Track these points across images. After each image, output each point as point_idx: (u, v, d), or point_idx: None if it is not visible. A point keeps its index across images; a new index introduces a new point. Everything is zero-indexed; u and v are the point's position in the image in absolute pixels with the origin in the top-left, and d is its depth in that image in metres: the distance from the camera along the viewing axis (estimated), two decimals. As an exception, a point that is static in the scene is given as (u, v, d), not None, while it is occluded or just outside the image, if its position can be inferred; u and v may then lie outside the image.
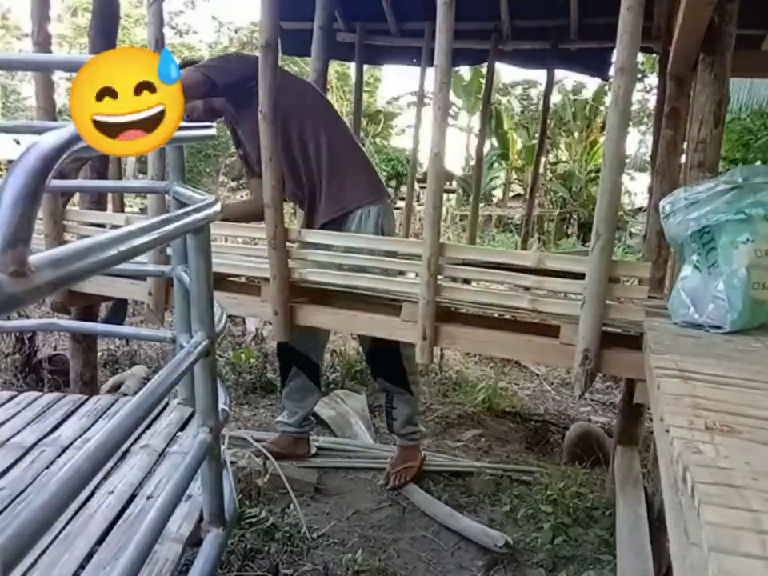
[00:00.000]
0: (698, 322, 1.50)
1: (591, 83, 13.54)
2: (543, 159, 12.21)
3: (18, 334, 3.46)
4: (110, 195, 2.77)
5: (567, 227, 13.33)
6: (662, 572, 1.73)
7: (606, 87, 10.64)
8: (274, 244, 2.02)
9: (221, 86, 2.18)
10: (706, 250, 1.51)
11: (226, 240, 2.70)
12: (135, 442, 1.46)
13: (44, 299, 2.61)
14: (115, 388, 3.40)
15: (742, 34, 1.98)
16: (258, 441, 2.58)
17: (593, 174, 12.89)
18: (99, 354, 3.33)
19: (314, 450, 2.72)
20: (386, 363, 2.48)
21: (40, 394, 1.76)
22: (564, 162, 14.48)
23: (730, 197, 1.48)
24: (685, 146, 2.13)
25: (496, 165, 14.11)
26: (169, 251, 1.85)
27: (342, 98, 12.80)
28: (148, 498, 1.22)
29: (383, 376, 2.53)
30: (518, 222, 12.24)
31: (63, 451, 1.40)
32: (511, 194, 15.91)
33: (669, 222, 1.60)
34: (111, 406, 1.67)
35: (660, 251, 2.29)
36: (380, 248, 2.09)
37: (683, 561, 0.62)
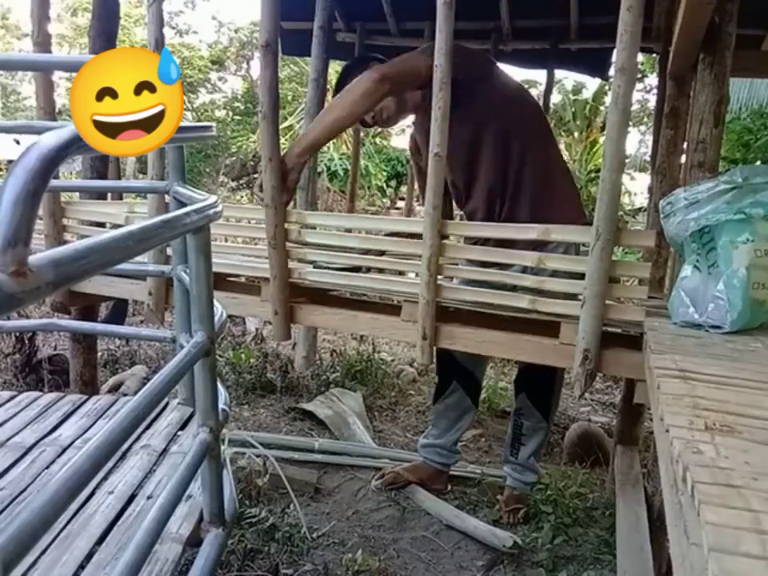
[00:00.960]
0: (697, 322, 1.49)
1: (591, 83, 13.54)
2: (543, 159, 12.20)
3: (17, 334, 3.46)
4: (109, 195, 2.77)
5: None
6: (661, 572, 1.74)
7: (606, 87, 10.65)
8: (274, 244, 2.02)
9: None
10: (705, 250, 1.51)
11: (226, 240, 2.70)
12: (135, 441, 1.46)
13: (44, 299, 2.61)
14: (115, 388, 3.40)
15: (742, 34, 1.98)
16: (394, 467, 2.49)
17: (593, 174, 12.89)
18: (99, 354, 3.33)
19: (448, 488, 2.52)
20: (535, 381, 2.31)
21: (40, 394, 1.77)
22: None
23: (729, 197, 1.48)
24: (685, 146, 2.13)
25: (496, 165, 14.08)
26: (169, 251, 1.85)
27: (342, 98, 12.77)
28: (148, 498, 1.22)
29: (528, 394, 2.30)
30: (518, 222, 12.21)
31: (63, 451, 1.40)
32: (511, 194, 15.87)
33: (669, 221, 1.60)
34: (111, 406, 1.67)
35: (660, 251, 2.30)
36: (380, 248, 2.09)
37: (683, 561, 0.62)
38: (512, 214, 2.01)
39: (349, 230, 2.20)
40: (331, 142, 12.10)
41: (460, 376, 2.41)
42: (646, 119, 12.75)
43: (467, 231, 2.00)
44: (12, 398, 1.70)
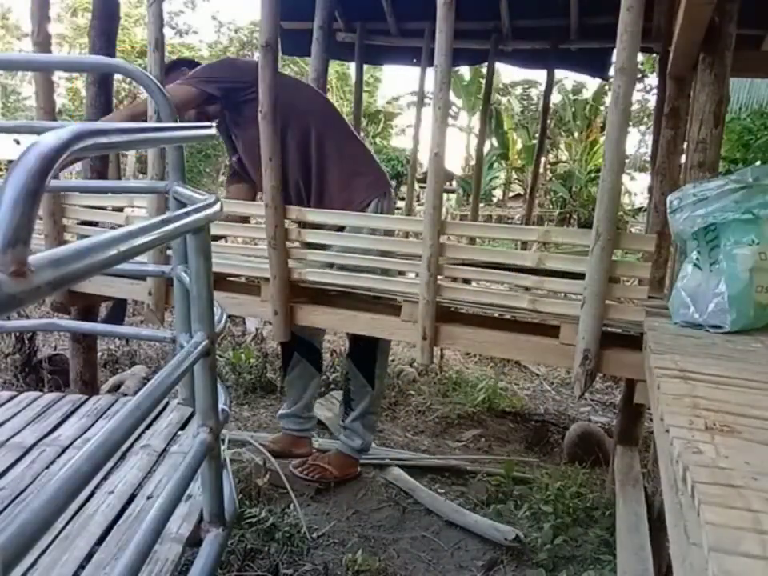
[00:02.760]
0: (697, 322, 1.49)
1: (591, 83, 13.56)
2: (543, 159, 12.22)
3: (18, 334, 3.46)
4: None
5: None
6: (662, 572, 1.73)
7: (606, 87, 10.65)
8: (274, 244, 2.02)
9: (216, 96, 2.21)
10: (708, 248, 1.50)
11: (226, 240, 2.70)
12: (135, 442, 1.46)
13: (44, 299, 2.61)
14: (115, 388, 3.40)
15: (742, 34, 1.98)
16: (258, 442, 2.58)
17: (593, 174, 12.90)
18: (99, 354, 3.33)
19: (314, 450, 2.69)
20: (358, 349, 2.52)
21: (40, 394, 1.76)
22: (564, 162, 14.50)
23: (738, 196, 1.46)
24: (685, 146, 2.13)
25: (496, 165, 14.13)
26: (169, 251, 1.85)
27: (342, 98, 12.80)
28: (148, 498, 1.22)
29: (353, 359, 2.52)
30: (518, 222, 12.24)
31: (63, 451, 1.40)
32: (511, 194, 15.93)
33: (675, 217, 1.58)
34: (111, 406, 1.67)
35: (660, 251, 2.29)
36: (380, 248, 2.09)
37: (683, 561, 0.62)
38: (320, 202, 2.27)
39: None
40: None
41: (299, 347, 2.55)
42: (645, 119, 12.76)
43: (467, 231, 2.00)
44: (12, 398, 1.70)
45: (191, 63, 2.58)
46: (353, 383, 2.53)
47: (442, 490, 2.56)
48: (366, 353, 2.49)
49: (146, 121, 2.03)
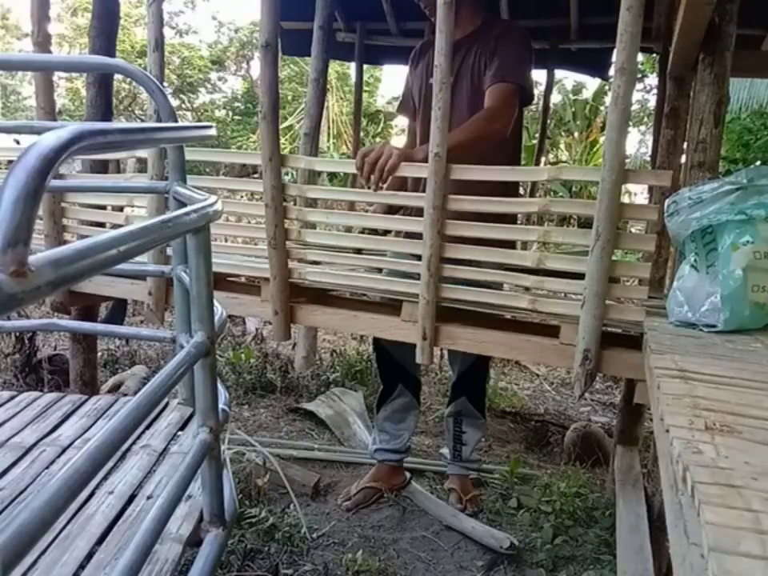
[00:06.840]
0: (691, 321, 1.49)
1: (591, 83, 13.56)
2: (543, 159, 12.21)
3: (18, 334, 3.46)
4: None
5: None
6: (662, 572, 1.74)
7: (606, 87, 10.65)
8: (274, 244, 2.02)
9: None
10: (706, 250, 1.50)
11: (226, 240, 2.70)
12: (135, 442, 1.46)
13: (44, 299, 2.61)
14: (115, 388, 3.41)
15: (742, 34, 1.98)
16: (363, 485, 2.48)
17: (593, 174, 12.88)
18: (99, 354, 3.34)
19: (408, 476, 2.57)
20: (474, 385, 2.43)
21: (40, 394, 1.76)
22: (564, 162, 14.48)
23: (734, 197, 1.47)
24: (685, 146, 2.13)
25: (496, 165, 14.08)
26: (169, 251, 1.85)
27: (342, 98, 12.79)
28: (148, 498, 1.22)
29: (469, 397, 2.42)
30: (518, 222, 12.20)
31: (63, 451, 1.40)
32: (511, 194, 15.87)
33: (672, 220, 1.59)
34: (111, 406, 1.67)
35: (660, 251, 2.29)
36: (380, 248, 2.09)
37: (683, 561, 0.62)
38: None
39: (349, 229, 2.20)
40: (331, 141, 12.14)
41: (404, 379, 2.44)
42: (646, 119, 12.76)
43: (467, 231, 1.99)
44: (12, 398, 1.70)
45: None
46: (466, 420, 2.43)
47: (441, 488, 2.56)
48: (478, 384, 2.43)
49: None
